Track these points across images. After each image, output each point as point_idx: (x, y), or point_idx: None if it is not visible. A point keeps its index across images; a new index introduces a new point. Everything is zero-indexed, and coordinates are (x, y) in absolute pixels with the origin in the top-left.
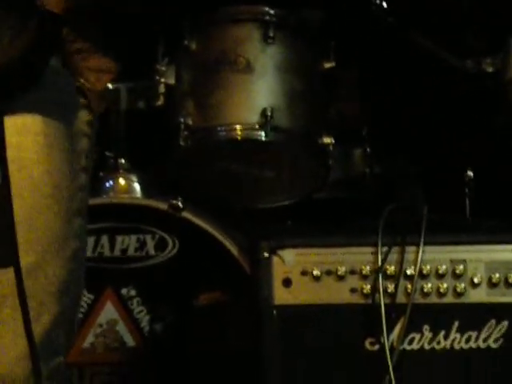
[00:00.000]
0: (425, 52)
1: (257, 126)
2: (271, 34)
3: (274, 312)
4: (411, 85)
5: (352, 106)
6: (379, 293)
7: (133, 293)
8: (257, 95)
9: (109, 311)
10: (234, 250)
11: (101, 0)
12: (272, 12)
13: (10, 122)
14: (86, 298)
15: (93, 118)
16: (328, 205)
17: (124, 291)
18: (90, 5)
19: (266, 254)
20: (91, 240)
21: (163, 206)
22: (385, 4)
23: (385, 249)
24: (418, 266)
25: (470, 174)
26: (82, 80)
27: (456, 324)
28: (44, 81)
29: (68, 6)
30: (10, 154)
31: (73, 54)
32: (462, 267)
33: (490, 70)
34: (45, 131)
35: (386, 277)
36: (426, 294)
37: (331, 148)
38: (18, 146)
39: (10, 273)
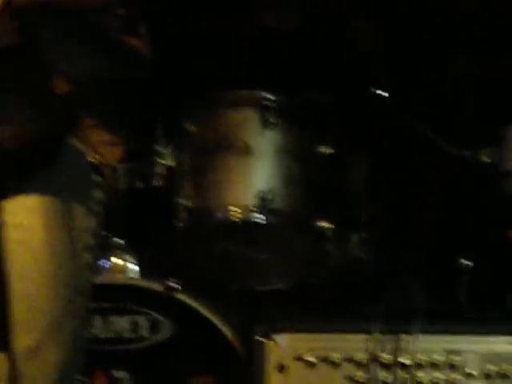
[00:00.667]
0: (424, 140)
1: (254, 209)
2: (270, 119)
3: None
4: (410, 171)
5: (354, 194)
6: (375, 382)
7: (124, 375)
8: (255, 178)
9: None
10: (228, 334)
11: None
12: (271, 97)
13: (20, 202)
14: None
15: (104, 195)
16: (324, 289)
17: (116, 373)
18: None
19: (261, 339)
20: None
21: (159, 287)
22: (385, 93)
23: (380, 336)
24: (413, 355)
25: (467, 262)
26: (96, 156)
27: None
28: (58, 160)
29: (79, 81)
30: (16, 235)
31: (86, 130)
32: (457, 358)
33: (487, 160)
34: (53, 212)
35: (381, 365)
36: None
37: (328, 232)
38: (25, 227)
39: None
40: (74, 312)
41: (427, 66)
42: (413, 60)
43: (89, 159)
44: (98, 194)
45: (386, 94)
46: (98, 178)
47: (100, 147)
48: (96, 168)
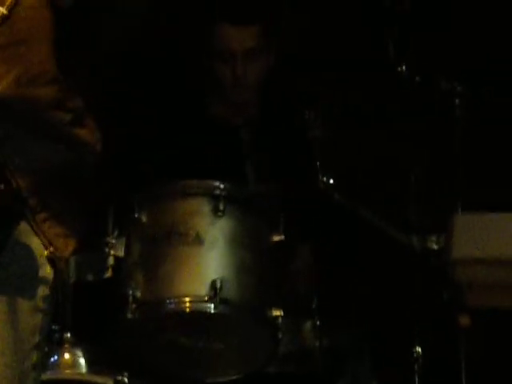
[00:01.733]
0: (372, 227)
1: (206, 299)
2: (221, 207)
3: None
4: (359, 259)
5: (304, 281)
6: None
7: None
8: (206, 268)
9: None
10: None
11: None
12: (222, 186)
13: None
14: None
15: (52, 292)
16: (277, 379)
17: None
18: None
19: None
20: None
21: (109, 381)
22: (331, 180)
23: None
24: None
25: (419, 349)
26: (51, 248)
27: None
28: (3, 254)
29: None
30: None
31: (41, 223)
32: None
33: (435, 247)
34: None
35: None
36: None
37: (280, 321)
38: None
39: None
40: None
41: (373, 154)
42: (358, 148)
43: (42, 253)
44: (45, 291)
45: (332, 182)
46: (48, 274)
47: (55, 240)
48: (51, 261)
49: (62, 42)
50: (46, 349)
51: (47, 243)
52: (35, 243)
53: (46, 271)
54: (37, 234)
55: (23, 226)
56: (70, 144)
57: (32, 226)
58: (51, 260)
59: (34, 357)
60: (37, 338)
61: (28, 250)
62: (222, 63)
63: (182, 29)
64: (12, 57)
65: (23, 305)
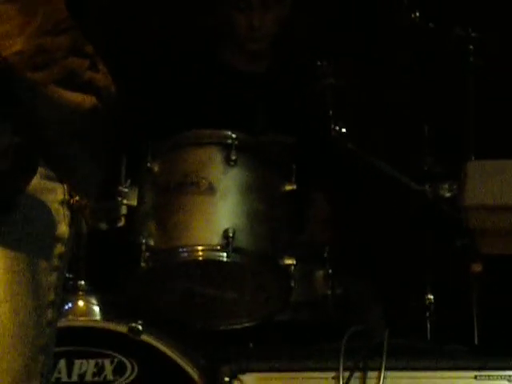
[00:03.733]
0: (385, 176)
1: (218, 247)
2: (233, 157)
3: None
4: (372, 207)
5: (317, 229)
6: None
7: None
8: (219, 217)
9: None
10: (194, 375)
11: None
12: (234, 135)
13: None
14: None
15: (65, 250)
16: (290, 327)
17: None
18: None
19: (227, 379)
20: None
21: (123, 329)
22: (344, 129)
23: (346, 374)
24: None
25: (431, 297)
26: (76, 197)
27: None
28: (16, 211)
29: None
30: None
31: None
32: None
33: (448, 195)
34: (13, 268)
35: None
36: None
37: (293, 269)
38: None
39: None
40: (36, 371)
41: (386, 103)
42: (371, 96)
43: (59, 210)
44: (61, 249)
45: (345, 131)
46: (64, 232)
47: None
48: (70, 208)
49: None
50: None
51: (72, 193)
52: (51, 200)
53: (62, 229)
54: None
55: (38, 182)
56: (90, 90)
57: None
58: (70, 207)
59: (49, 314)
60: (52, 296)
61: (43, 208)
62: (238, 12)
63: None
64: (31, 6)
65: (39, 264)
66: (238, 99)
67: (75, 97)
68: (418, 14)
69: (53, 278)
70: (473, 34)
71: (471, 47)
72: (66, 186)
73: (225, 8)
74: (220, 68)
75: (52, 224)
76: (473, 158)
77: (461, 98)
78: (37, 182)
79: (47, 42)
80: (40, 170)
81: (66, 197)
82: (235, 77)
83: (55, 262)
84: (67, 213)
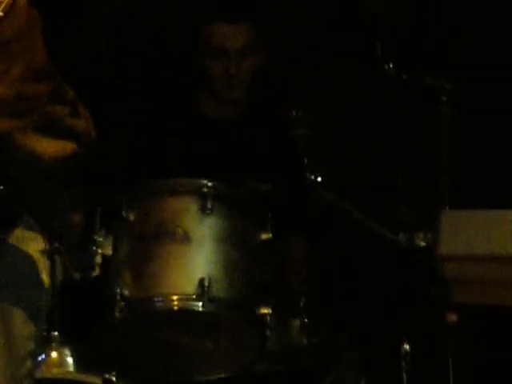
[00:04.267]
0: (359, 224)
1: (194, 297)
2: (209, 206)
3: None
4: (346, 255)
5: (295, 277)
6: None
7: None
8: (194, 266)
9: None
10: None
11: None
12: (210, 184)
13: None
14: None
15: (45, 300)
16: (266, 377)
17: None
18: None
19: None
20: None
21: (97, 380)
22: (319, 178)
23: None
24: None
25: (406, 346)
26: (56, 244)
27: None
28: (1, 260)
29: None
30: None
31: None
32: None
33: (423, 244)
34: None
35: None
36: None
37: (269, 318)
38: None
39: None
40: None
41: (359, 153)
42: (346, 145)
43: (40, 260)
44: (41, 299)
45: (320, 179)
46: (45, 281)
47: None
48: (51, 257)
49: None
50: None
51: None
52: (33, 249)
53: (43, 278)
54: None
55: (21, 231)
56: (71, 135)
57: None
58: (50, 256)
59: (29, 364)
60: (32, 346)
61: (25, 258)
62: (214, 61)
63: (172, 27)
64: (12, 54)
65: (19, 313)
66: (215, 148)
67: (55, 145)
68: (391, 65)
69: (32, 327)
70: (445, 85)
71: (443, 98)
72: (45, 236)
73: (201, 56)
74: (197, 117)
75: (35, 273)
76: (447, 208)
77: (434, 146)
78: (19, 231)
79: (27, 90)
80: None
81: (46, 246)
82: (212, 126)
83: (35, 311)
84: (47, 262)
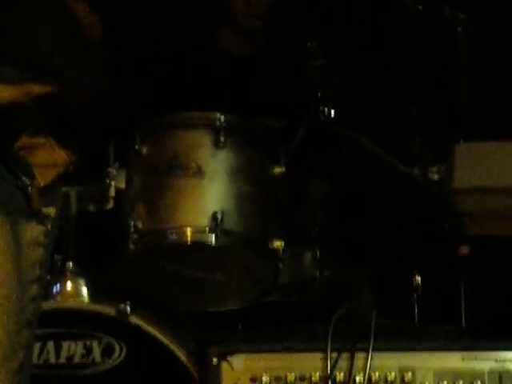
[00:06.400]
0: (373, 158)
1: (207, 230)
2: (222, 140)
3: None
4: (360, 189)
5: (313, 209)
6: None
7: None
8: (207, 199)
9: None
10: (182, 356)
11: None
12: (222, 118)
13: None
14: None
15: (52, 227)
16: (278, 308)
17: None
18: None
19: (216, 361)
20: (36, 346)
21: (111, 310)
22: (333, 112)
23: (334, 355)
24: (367, 373)
25: (418, 278)
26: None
27: None
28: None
29: (14, 99)
30: None
31: (17, 151)
32: (410, 375)
33: (436, 178)
34: None
35: (336, 383)
36: None
37: (281, 251)
38: None
39: None
40: (21, 344)
41: (375, 85)
42: (359, 78)
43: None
44: (47, 226)
45: (333, 113)
46: (51, 210)
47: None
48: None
49: None
50: (48, 277)
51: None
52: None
53: (50, 208)
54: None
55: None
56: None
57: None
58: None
59: (34, 289)
60: (37, 271)
61: (12, 185)
62: None
63: None
64: None
65: (25, 238)
66: (230, 82)
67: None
68: None
69: (38, 253)
70: (461, 16)
71: (460, 29)
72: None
73: None
74: (213, 53)
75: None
76: (461, 141)
77: (450, 79)
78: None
79: None
80: None
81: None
82: (229, 61)
83: (40, 238)
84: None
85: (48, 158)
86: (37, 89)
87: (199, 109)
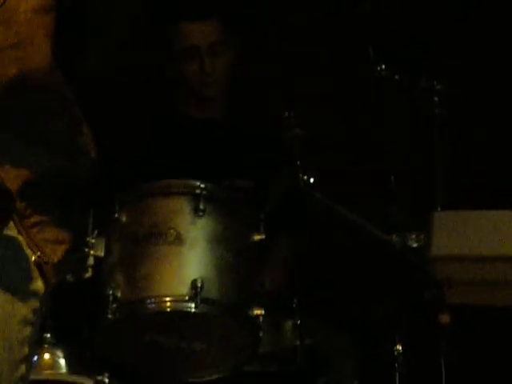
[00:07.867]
0: (352, 225)
1: (187, 298)
2: (201, 207)
3: None
4: (339, 260)
5: (278, 275)
6: None
7: None
8: (187, 267)
9: None
10: None
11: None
12: (202, 185)
13: None
14: None
15: (40, 305)
16: (258, 379)
17: None
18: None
19: None
20: None
21: (89, 382)
22: (312, 179)
23: None
24: None
25: (399, 348)
26: (38, 253)
27: None
28: None
29: (25, 180)
30: None
31: (29, 228)
32: None
33: (415, 245)
34: None
35: None
36: None
37: (261, 320)
38: None
39: None
40: None
41: (353, 153)
42: (339, 145)
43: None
44: (35, 304)
45: (312, 180)
46: (40, 287)
47: (43, 245)
48: (39, 266)
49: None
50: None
51: (35, 248)
52: (29, 255)
53: (38, 284)
54: (24, 239)
55: (14, 235)
56: (68, 152)
57: (19, 231)
58: (38, 265)
59: (23, 369)
60: (26, 350)
61: (19, 263)
62: (187, 61)
63: (143, 35)
64: (7, 60)
65: (14, 317)
66: (197, 147)
67: None
68: (383, 66)
69: (27, 332)
70: (437, 86)
71: (436, 99)
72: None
73: (175, 58)
74: (178, 117)
75: (27, 279)
76: (439, 209)
77: (427, 148)
78: (12, 234)
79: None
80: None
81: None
82: (193, 125)
83: (29, 316)
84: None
85: (57, 235)
86: None
87: (171, 176)
